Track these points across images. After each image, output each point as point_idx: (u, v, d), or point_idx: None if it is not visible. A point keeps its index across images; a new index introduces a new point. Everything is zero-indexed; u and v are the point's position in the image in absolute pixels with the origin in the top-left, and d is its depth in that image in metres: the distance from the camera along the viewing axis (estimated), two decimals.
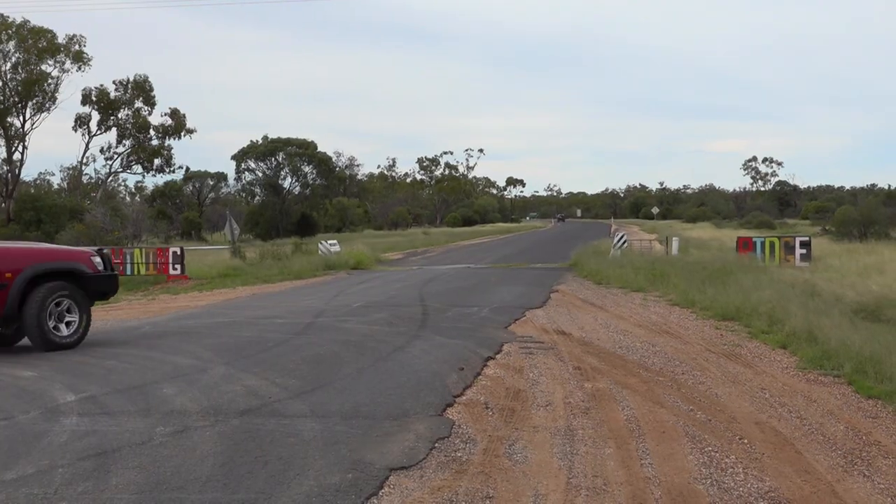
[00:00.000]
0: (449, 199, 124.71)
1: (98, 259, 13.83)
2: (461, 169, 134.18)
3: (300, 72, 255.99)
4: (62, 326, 13.13)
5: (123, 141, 67.80)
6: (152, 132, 68.05)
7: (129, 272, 28.05)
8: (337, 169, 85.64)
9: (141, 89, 66.04)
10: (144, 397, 9.24)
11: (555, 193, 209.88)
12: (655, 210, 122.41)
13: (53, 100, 60.43)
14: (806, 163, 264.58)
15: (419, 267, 33.42)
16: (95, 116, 65.91)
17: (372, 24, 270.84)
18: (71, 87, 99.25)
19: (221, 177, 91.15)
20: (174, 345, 13.14)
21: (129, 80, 65.71)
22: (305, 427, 7.82)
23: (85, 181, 72.70)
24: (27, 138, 60.25)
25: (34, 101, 59.65)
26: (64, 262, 13.45)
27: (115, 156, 68.62)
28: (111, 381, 10.23)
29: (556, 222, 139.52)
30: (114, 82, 65.70)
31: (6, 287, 12.63)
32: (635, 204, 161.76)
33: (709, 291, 18.06)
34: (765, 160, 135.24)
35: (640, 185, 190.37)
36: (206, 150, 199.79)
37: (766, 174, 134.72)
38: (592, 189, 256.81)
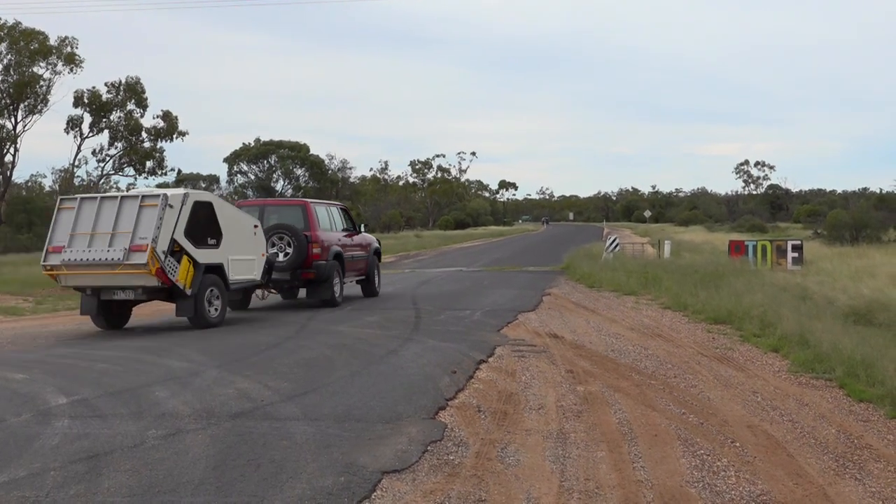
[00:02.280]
0: (441, 202, 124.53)
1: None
2: (453, 172, 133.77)
3: (293, 75, 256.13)
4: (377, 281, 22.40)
5: (115, 143, 67.49)
6: (144, 134, 67.72)
7: None
8: (329, 172, 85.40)
9: (133, 91, 65.77)
10: (136, 400, 9.23)
11: (547, 196, 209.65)
12: (648, 213, 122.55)
13: (45, 102, 60.22)
14: (798, 166, 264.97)
15: (411, 270, 33.37)
16: (87, 118, 65.54)
17: (365, 28, 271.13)
18: (63, 88, 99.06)
19: (213, 179, 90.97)
20: (166, 347, 13.12)
21: (121, 82, 65.41)
22: (298, 430, 7.82)
23: (77, 183, 72.53)
24: (19, 140, 60.08)
25: (26, 103, 59.49)
26: (376, 244, 22.53)
27: (107, 158, 68.33)
28: (103, 383, 10.22)
29: (544, 224, 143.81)
30: (106, 84, 65.33)
31: (366, 258, 21.59)
32: (627, 207, 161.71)
33: (701, 295, 18.09)
34: (757, 164, 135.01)
35: (632, 188, 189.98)
36: (199, 153, 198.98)
37: (759, 178, 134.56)
38: (585, 192, 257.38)
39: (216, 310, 15.90)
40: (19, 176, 75.43)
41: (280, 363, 11.41)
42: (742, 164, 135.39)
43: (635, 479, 6.54)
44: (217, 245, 15.97)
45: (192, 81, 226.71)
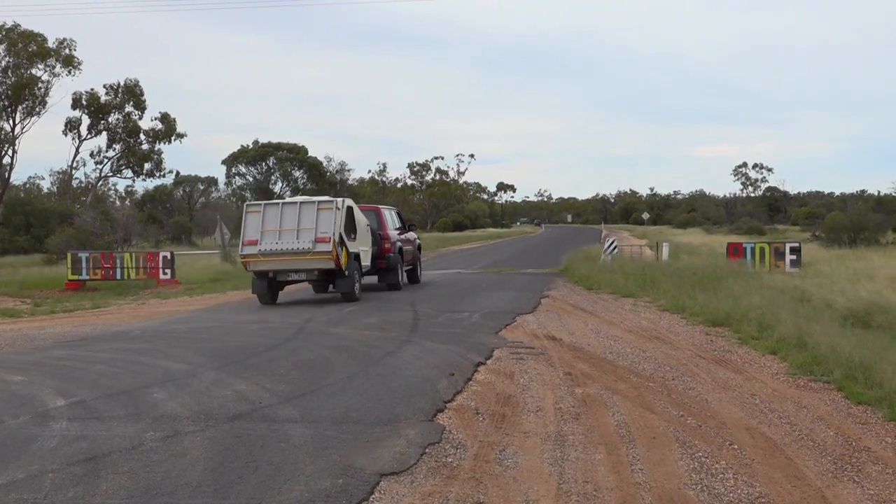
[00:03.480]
0: (440, 204, 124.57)
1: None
2: (452, 174, 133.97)
3: (292, 76, 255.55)
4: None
5: (114, 145, 67.63)
6: (142, 136, 67.87)
7: (118, 276, 28.00)
8: (328, 173, 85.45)
9: (131, 93, 65.87)
10: (134, 402, 9.23)
11: (545, 199, 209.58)
12: (646, 215, 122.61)
13: (44, 104, 60.23)
14: (796, 169, 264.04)
15: None
16: (86, 120, 65.70)
17: (363, 29, 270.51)
18: (61, 90, 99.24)
19: (212, 181, 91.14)
20: (164, 349, 13.13)
21: (119, 84, 65.52)
22: (296, 432, 7.82)
23: (75, 185, 72.57)
24: (17, 142, 60.08)
25: (24, 105, 59.49)
26: (419, 240, 27.59)
27: (106, 160, 68.46)
28: (101, 385, 10.22)
29: (536, 225, 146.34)
30: (104, 86, 65.48)
31: (413, 252, 26.19)
32: (626, 209, 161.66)
33: (699, 297, 18.09)
34: (755, 166, 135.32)
35: (630, 190, 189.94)
36: (197, 155, 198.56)
37: (757, 180, 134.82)
38: (583, 194, 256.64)
39: (358, 288, 21.14)
40: (17, 178, 75.32)
41: (278, 365, 11.41)
42: (740, 167, 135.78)
43: (633, 482, 6.54)
44: (355, 239, 21.23)
45: (191, 83, 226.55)
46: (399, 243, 24.40)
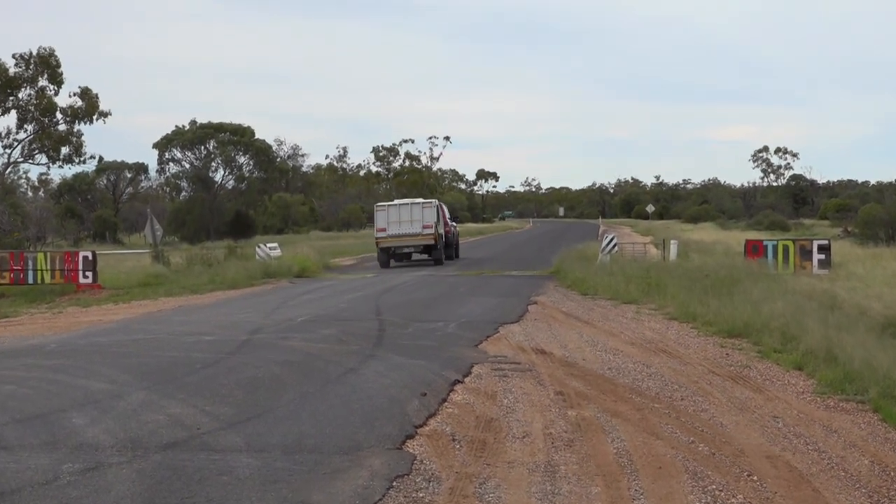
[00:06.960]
0: (410, 195, 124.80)
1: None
2: (424, 160, 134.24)
3: (236, 47, 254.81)
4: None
5: (25, 126, 67.19)
6: (59, 115, 67.47)
7: (31, 280, 27.82)
8: (278, 159, 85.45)
9: (46, 65, 65.48)
10: (49, 428, 9.17)
11: (533, 189, 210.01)
12: (650, 208, 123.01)
13: None
14: (825, 154, 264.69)
15: (375, 274, 33.39)
16: None
17: None
18: None
19: (141, 168, 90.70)
20: (85, 366, 13.05)
21: (31, 53, 65.10)
22: (240, 463, 7.79)
23: None
24: None
25: None
26: (458, 228, 49.93)
27: (15, 143, 68.00)
28: (9, 409, 10.15)
29: (501, 220, 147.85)
30: (13, 56, 65.11)
31: (456, 236, 46.11)
32: (627, 201, 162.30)
33: (712, 303, 18.15)
34: (777, 150, 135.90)
35: (632, 179, 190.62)
36: (124, 137, 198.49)
37: (780, 167, 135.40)
38: (577, 184, 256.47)
39: (444, 256, 39.50)
40: None
41: (219, 383, 11.38)
42: (760, 151, 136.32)
43: None
44: (439, 224, 38.46)
45: (117, 53, 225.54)
46: (453, 228, 42.75)
